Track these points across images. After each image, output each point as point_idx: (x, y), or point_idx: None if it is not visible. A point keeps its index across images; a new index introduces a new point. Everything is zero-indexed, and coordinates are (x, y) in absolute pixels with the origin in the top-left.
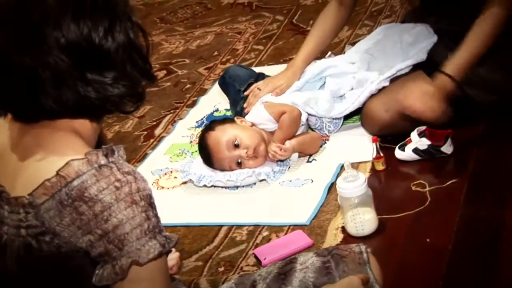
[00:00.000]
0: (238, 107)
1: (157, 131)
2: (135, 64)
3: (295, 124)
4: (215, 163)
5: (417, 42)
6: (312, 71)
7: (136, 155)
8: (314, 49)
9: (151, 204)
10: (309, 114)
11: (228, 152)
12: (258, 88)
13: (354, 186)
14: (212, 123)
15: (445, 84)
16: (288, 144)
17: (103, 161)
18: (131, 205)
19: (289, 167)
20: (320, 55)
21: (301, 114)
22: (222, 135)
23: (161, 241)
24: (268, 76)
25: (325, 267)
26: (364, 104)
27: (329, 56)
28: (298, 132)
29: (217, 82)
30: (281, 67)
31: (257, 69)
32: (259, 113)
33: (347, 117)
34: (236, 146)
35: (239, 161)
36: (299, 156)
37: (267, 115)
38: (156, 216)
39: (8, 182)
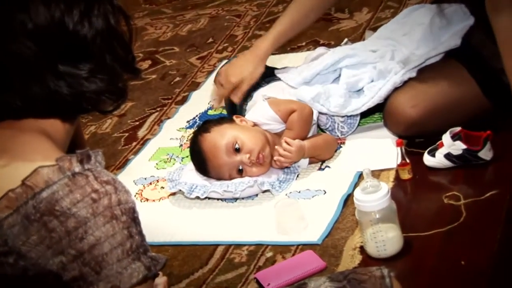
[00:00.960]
0: (237, 106)
1: (141, 133)
2: (116, 55)
3: (307, 124)
4: (211, 171)
5: (450, 25)
6: (325, 61)
7: (116, 161)
8: (288, 30)
9: (134, 219)
10: (319, 113)
11: (228, 157)
12: (220, 84)
13: (375, 198)
14: (206, 123)
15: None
16: (297, 141)
17: (77, 168)
18: (110, 220)
19: (297, 176)
20: (335, 42)
21: (313, 112)
22: (220, 138)
23: (146, 263)
24: (273, 68)
25: None
26: (387, 99)
27: (346, 43)
28: (309, 134)
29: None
30: (288, 57)
31: None
32: (263, 111)
33: (365, 116)
34: (237, 150)
35: (240, 168)
36: (310, 163)
37: (272, 113)
38: (140, 233)
39: None
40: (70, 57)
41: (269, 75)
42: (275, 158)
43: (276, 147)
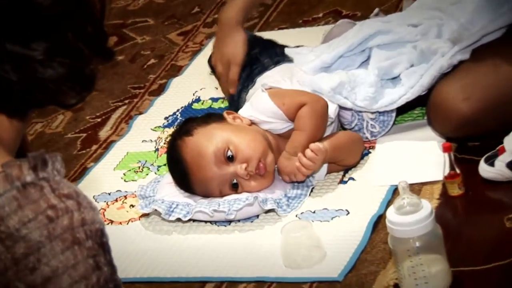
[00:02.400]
0: (235, 94)
1: (103, 133)
2: (81, 31)
3: (321, 121)
4: (196, 186)
5: None
6: (350, 39)
7: (69, 171)
8: None
9: (102, 245)
10: (340, 107)
11: (217, 169)
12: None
13: (415, 220)
14: (188, 122)
15: None
16: (317, 143)
17: (29, 177)
18: (71, 246)
19: (311, 190)
20: (362, 13)
21: (328, 106)
22: (206, 143)
23: None
24: (283, 46)
25: None
26: (432, 89)
27: (377, 14)
28: (325, 134)
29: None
30: (299, 32)
31: (264, 35)
32: (262, 105)
33: (402, 111)
34: (230, 159)
35: (235, 182)
36: (328, 172)
37: (275, 108)
38: (110, 263)
39: None
40: (19, 33)
41: (279, 54)
42: (296, 163)
43: (299, 155)
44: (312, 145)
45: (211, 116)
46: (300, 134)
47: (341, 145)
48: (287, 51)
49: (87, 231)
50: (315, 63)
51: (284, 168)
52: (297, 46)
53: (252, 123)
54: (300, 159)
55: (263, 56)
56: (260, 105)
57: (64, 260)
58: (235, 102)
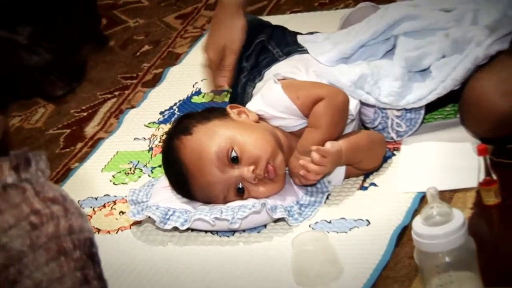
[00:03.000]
0: (239, 88)
1: (90, 129)
2: (71, 13)
3: (340, 119)
4: (196, 192)
5: None
6: (373, 26)
7: (51, 172)
8: None
9: (92, 257)
10: (362, 103)
11: (220, 172)
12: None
13: (444, 233)
14: (186, 119)
15: None
16: (329, 144)
17: (10, 178)
18: (57, 256)
19: (327, 197)
20: None
21: (348, 102)
22: (208, 142)
23: None
24: (296, 33)
25: None
26: (465, 83)
27: None
28: (344, 132)
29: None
30: (314, 16)
31: (273, 20)
32: (274, 98)
33: (432, 109)
34: (234, 160)
35: (240, 186)
36: (346, 177)
37: (288, 102)
38: (100, 277)
39: None
40: (2, 16)
41: (290, 43)
42: (301, 172)
43: (300, 162)
44: (318, 148)
45: (213, 111)
46: (313, 132)
47: (359, 146)
48: (300, 39)
49: (75, 240)
50: (332, 54)
51: (294, 169)
52: (311, 33)
53: (261, 118)
54: (304, 165)
55: (272, 44)
56: (271, 98)
57: (49, 272)
58: (239, 97)
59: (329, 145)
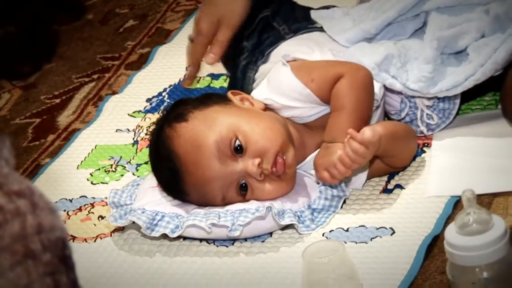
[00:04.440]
0: (238, 71)
1: (63, 118)
2: None
3: (365, 95)
4: (191, 190)
5: None
6: (401, 1)
7: (18, 168)
8: None
9: (64, 260)
10: (386, 89)
11: (221, 164)
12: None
13: (483, 243)
14: (181, 104)
15: None
16: (370, 131)
17: None
18: (24, 260)
19: (344, 202)
20: None
21: (372, 77)
22: (207, 130)
23: None
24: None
25: None
26: (509, 67)
27: None
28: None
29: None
30: None
31: None
32: (283, 84)
33: (469, 97)
34: (238, 150)
35: (243, 183)
36: (369, 178)
37: (301, 86)
38: (74, 284)
39: None
40: None
41: (300, 19)
42: (337, 161)
43: (339, 152)
44: (359, 136)
45: (211, 97)
46: (339, 115)
47: (398, 136)
48: (313, 14)
49: (45, 240)
50: (353, 33)
51: (322, 158)
52: (326, 7)
53: (268, 108)
54: (343, 147)
55: (278, 20)
56: (280, 84)
57: (14, 278)
58: (239, 83)
59: (369, 132)
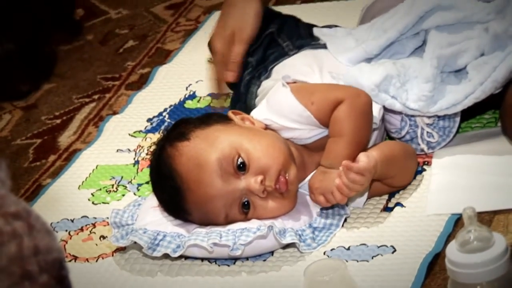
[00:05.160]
0: (242, 86)
1: (64, 139)
2: None
3: (364, 122)
4: (193, 209)
5: None
6: (403, 19)
7: (19, 189)
8: None
9: (61, 281)
10: (386, 110)
11: (224, 182)
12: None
13: (484, 261)
14: (181, 124)
15: None
16: (365, 158)
17: None
18: (21, 282)
19: (345, 220)
20: None
21: (372, 103)
22: (209, 148)
23: None
24: (310, 26)
25: None
26: (508, 85)
27: None
28: (369, 144)
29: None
30: (330, 6)
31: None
32: (283, 105)
33: (469, 115)
34: (241, 168)
35: (246, 201)
36: (369, 196)
37: (301, 108)
38: None
39: None
40: None
41: (304, 36)
42: (336, 182)
43: (336, 181)
44: (355, 165)
45: (213, 116)
46: (338, 141)
47: (394, 158)
48: (316, 32)
49: (41, 262)
50: (356, 53)
51: (319, 183)
52: (328, 26)
53: (267, 127)
54: (340, 175)
55: (282, 37)
56: (280, 105)
57: None
58: (242, 97)
59: (364, 158)
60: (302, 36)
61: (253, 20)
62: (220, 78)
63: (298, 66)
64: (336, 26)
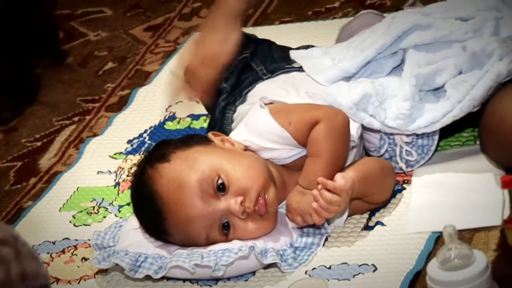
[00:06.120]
0: (217, 112)
1: (45, 161)
2: (24, 23)
3: (342, 142)
4: (174, 231)
5: None
6: (381, 38)
7: (1, 212)
8: None
9: None
10: (366, 128)
11: (204, 203)
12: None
13: (465, 278)
14: (163, 145)
15: None
16: (342, 179)
17: None
18: None
19: (326, 239)
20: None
21: (349, 122)
22: (189, 170)
23: None
24: (286, 48)
25: None
26: (486, 104)
27: (413, 4)
28: (347, 162)
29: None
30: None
31: (260, 32)
32: (261, 126)
33: (447, 134)
34: (221, 189)
35: (226, 222)
36: (350, 215)
37: (279, 129)
38: None
39: None
40: None
41: (277, 59)
42: (313, 205)
43: (313, 205)
44: (325, 181)
45: (193, 137)
46: (315, 161)
47: (371, 175)
48: (292, 54)
49: (29, 287)
50: (332, 72)
51: (296, 204)
52: (305, 47)
53: (246, 148)
54: (316, 198)
55: (256, 61)
56: (258, 126)
57: None
58: (218, 123)
59: (341, 179)
60: (276, 60)
61: (232, 50)
62: (179, 93)
63: (273, 90)
64: (312, 46)
